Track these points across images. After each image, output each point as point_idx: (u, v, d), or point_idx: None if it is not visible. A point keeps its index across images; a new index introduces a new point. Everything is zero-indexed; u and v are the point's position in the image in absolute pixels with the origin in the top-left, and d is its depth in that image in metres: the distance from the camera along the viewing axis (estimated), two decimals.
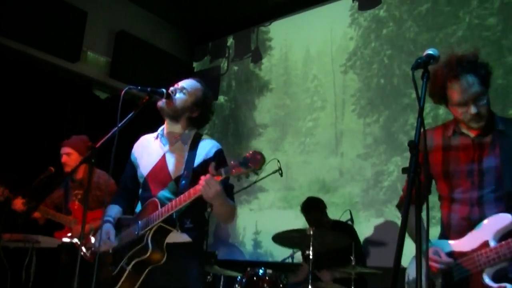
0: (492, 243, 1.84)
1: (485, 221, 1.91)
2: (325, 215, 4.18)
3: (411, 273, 2.12)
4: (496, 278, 1.82)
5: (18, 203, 3.69)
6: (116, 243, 2.20)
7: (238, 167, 1.89)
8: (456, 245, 1.96)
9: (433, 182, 2.19)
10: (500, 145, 1.97)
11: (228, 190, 2.17)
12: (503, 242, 1.81)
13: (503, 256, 1.79)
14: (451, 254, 1.95)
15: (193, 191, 1.99)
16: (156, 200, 2.13)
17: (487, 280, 1.82)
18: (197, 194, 1.97)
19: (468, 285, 1.87)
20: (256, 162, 1.88)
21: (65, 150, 3.79)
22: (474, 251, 1.89)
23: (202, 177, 1.95)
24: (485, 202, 1.95)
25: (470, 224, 1.95)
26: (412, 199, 2.12)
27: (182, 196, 2.02)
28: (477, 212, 1.95)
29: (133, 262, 2.07)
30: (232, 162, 1.92)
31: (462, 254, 1.92)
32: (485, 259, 1.83)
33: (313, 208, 4.16)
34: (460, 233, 1.98)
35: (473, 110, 1.91)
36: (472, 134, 2.02)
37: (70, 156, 3.76)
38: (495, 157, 1.96)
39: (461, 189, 2.00)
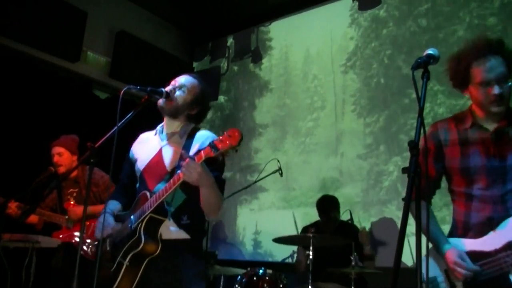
0: None
1: (509, 220, 1.85)
2: (337, 214, 4.15)
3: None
4: None
5: (12, 207, 3.67)
6: (115, 226, 2.21)
7: (216, 147, 1.88)
8: (476, 244, 1.90)
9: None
10: None
11: (219, 184, 2.15)
12: None
13: None
14: (470, 253, 1.89)
15: (176, 177, 1.98)
16: (146, 192, 2.13)
17: None
18: (180, 179, 1.96)
19: (493, 287, 1.82)
20: (234, 138, 1.86)
21: (56, 150, 3.77)
22: (497, 251, 1.83)
23: (182, 162, 1.94)
24: (509, 200, 1.89)
25: (493, 223, 1.89)
26: (421, 195, 2.11)
27: (167, 184, 2.02)
28: (500, 211, 1.89)
29: (129, 256, 2.07)
30: (210, 143, 1.90)
31: (484, 254, 1.86)
32: None
33: (329, 211, 4.12)
34: (480, 233, 1.91)
35: (496, 90, 1.87)
36: (491, 128, 1.97)
37: (62, 156, 3.75)
38: None
39: (481, 185, 1.94)
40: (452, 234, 2.04)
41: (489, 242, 1.87)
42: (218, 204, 2.16)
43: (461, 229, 2.01)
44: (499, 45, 1.92)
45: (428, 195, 2.07)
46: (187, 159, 1.93)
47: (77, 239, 3.69)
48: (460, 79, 1.97)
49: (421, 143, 2.10)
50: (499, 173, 1.92)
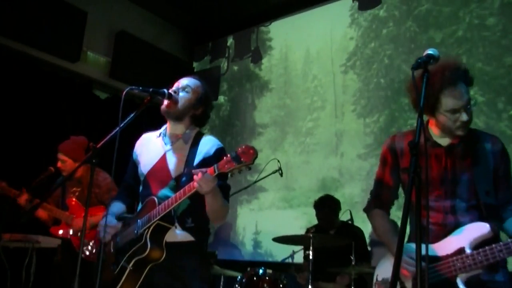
0: (468, 250, 1.86)
1: (463, 228, 1.92)
2: (335, 215, 4.17)
3: (380, 274, 2.17)
4: (470, 284, 1.84)
5: (23, 199, 3.69)
6: (119, 225, 2.22)
7: (231, 163, 1.89)
8: (430, 249, 1.95)
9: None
10: (472, 156, 2.00)
11: (224, 190, 2.17)
12: (480, 250, 1.82)
13: (479, 263, 1.81)
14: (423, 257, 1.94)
15: (188, 188, 1.99)
16: (154, 198, 2.13)
17: (461, 285, 1.84)
18: (192, 191, 1.97)
19: None
20: (249, 156, 1.87)
21: (59, 156, 3.80)
22: (448, 256, 1.90)
23: (195, 177, 1.94)
24: (458, 210, 1.98)
25: (445, 230, 1.97)
26: (382, 204, 2.24)
27: (177, 193, 2.03)
28: (452, 219, 1.97)
29: (133, 261, 2.07)
30: (224, 158, 1.91)
31: (436, 259, 1.92)
32: (461, 264, 1.84)
33: (325, 207, 4.16)
34: (434, 238, 1.98)
35: (464, 117, 1.93)
36: (444, 143, 2.04)
37: (64, 163, 3.77)
38: (468, 168, 1.99)
39: (434, 197, 2.02)
40: (410, 240, 2.08)
41: (442, 247, 1.94)
42: (222, 211, 2.18)
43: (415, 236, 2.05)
44: (465, 72, 1.98)
45: (419, 202, 2.07)
46: (200, 174, 1.93)
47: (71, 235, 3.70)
48: (428, 105, 1.96)
49: (382, 151, 2.21)
50: (450, 185, 2.00)
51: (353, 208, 4.44)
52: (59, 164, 3.78)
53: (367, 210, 2.33)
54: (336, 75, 5.45)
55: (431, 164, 2.03)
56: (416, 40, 4.86)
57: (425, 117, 2.09)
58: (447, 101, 1.92)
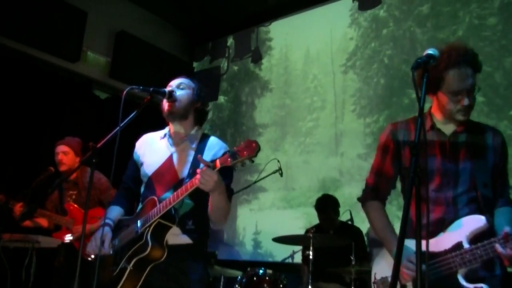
0: (466, 245, 1.83)
1: (459, 222, 1.90)
2: (336, 214, 4.17)
3: (378, 272, 2.13)
4: (468, 279, 1.82)
5: (17, 208, 3.66)
6: (110, 251, 2.18)
7: (234, 156, 1.88)
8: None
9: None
10: (473, 148, 1.99)
11: (228, 192, 2.14)
12: (479, 244, 1.80)
13: (479, 257, 1.79)
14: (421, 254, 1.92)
15: (190, 184, 1.96)
16: (155, 198, 2.11)
17: (462, 281, 1.81)
18: (194, 186, 1.94)
19: (442, 286, 1.84)
20: (251, 149, 1.86)
21: (61, 148, 3.76)
22: (447, 252, 1.87)
23: (198, 169, 1.93)
24: (459, 202, 1.95)
25: (444, 224, 1.94)
26: (379, 195, 2.23)
27: (179, 190, 2.00)
28: (452, 212, 1.94)
29: (133, 261, 2.05)
30: (227, 152, 1.91)
31: (434, 255, 1.89)
32: (460, 260, 1.82)
33: (328, 208, 4.15)
34: (431, 233, 1.94)
35: (466, 101, 1.91)
36: (448, 131, 2.02)
37: (66, 155, 3.75)
38: (469, 159, 1.98)
39: (435, 187, 1.99)
40: (406, 235, 2.05)
41: (440, 243, 1.91)
42: (226, 211, 2.15)
43: (414, 230, 1.99)
44: (473, 56, 1.96)
45: (419, 201, 1.98)
46: (204, 167, 1.91)
47: (70, 237, 3.68)
48: (432, 83, 1.94)
49: (382, 139, 2.16)
50: (452, 175, 1.98)
51: (353, 208, 4.44)
52: (60, 156, 3.73)
53: (362, 200, 2.26)
54: (336, 75, 5.45)
55: (435, 153, 2.01)
56: (416, 40, 4.86)
57: (428, 104, 2.05)
58: (451, 82, 1.92)
